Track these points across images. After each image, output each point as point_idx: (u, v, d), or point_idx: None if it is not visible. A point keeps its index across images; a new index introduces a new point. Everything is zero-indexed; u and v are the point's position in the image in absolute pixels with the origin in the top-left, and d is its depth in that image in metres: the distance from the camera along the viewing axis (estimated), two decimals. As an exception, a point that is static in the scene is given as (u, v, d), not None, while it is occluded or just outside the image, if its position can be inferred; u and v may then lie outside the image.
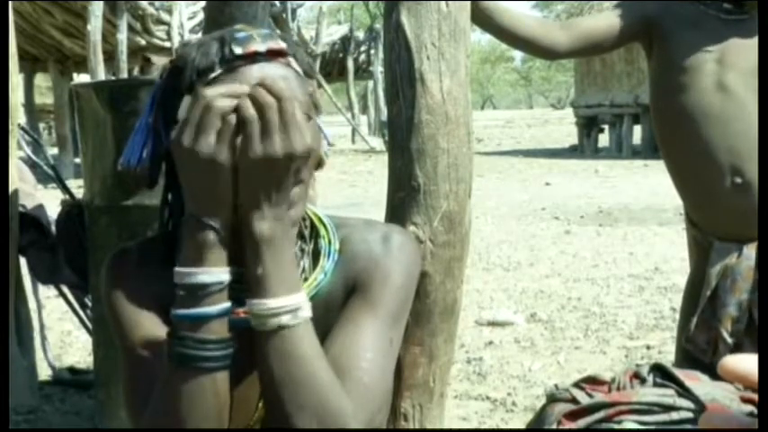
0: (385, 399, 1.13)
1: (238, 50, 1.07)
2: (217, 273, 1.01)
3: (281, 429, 1.05)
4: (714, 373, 1.63)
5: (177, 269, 1.01)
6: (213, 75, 1.06)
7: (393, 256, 1.17)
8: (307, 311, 1.04)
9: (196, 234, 1.01)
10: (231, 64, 1.06)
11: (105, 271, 1.16)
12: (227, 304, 1.02)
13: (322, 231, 1.19)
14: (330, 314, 1.14)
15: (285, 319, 1.01)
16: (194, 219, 1.02)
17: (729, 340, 1.96)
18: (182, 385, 1.01)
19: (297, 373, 1.02)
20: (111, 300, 1.14)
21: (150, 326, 1.10)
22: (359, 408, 1.06)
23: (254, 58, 1.07)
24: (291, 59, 1.11)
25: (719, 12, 2.03)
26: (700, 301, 2.03)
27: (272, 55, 1.08)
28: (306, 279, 1.14)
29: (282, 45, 1.10)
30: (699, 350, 2.02)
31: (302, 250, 1.16)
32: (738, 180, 1.95)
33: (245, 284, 1.05)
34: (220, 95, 1.00)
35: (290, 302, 1.02)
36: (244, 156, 1.00)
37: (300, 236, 1.17)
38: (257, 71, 1.06)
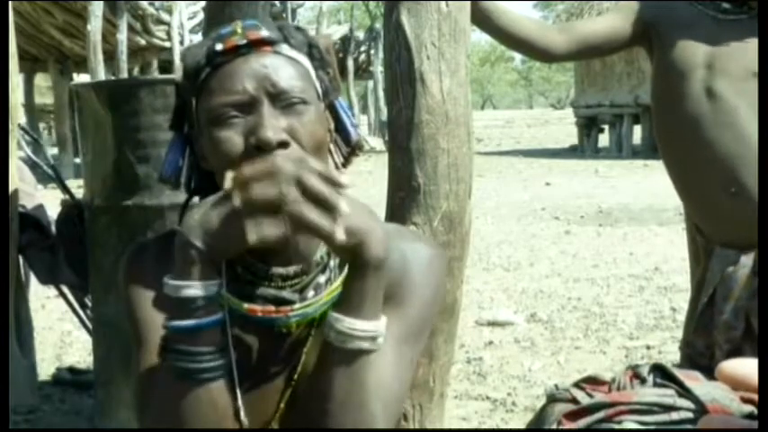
0: (398, 414, 1.14)
1: (219, 47, 1.07)
2: (205, 286, 0.98)
3: (300, 429, 1.05)
4: (713, 377, 1.63)
5: (167, 281, 0.99)
6: (203, 75, 1.08)
7: (424, 271, 1.15)
8: (382, 338, 1.03)
9: (181, 250, 0.98)
10: (215, 61, 1.07)
11: (123, 266, 1.16)
12: (219, 315, 1.00)
13: None
14: None
15: (366, 345, 1.00)
16: (181, 236, 0.99)
17: (725, 346, 1.95)
18: (177, 397, 1.00)
19: (355, 397, 1.01)
20: (128, 295, 1.14)
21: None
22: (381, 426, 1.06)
23: (236, 51, 1.07)
24: (283, 46, 1.09)
25: (717, 12, 2.00)
26: (698, 306, 2.02)
27: (255, 45, 1.07)
28: (329, 281, 1.12)
29: (263, 34, 1.08)
30: (697, 354, 2.02)
31: (329, 252, 1.15)
32: (733, 188, 1.92)
33: (280, 284, 1.06)
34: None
35: (376, 328, 1.00)
36: None
37: None
38: (242, 65, 1.06)
